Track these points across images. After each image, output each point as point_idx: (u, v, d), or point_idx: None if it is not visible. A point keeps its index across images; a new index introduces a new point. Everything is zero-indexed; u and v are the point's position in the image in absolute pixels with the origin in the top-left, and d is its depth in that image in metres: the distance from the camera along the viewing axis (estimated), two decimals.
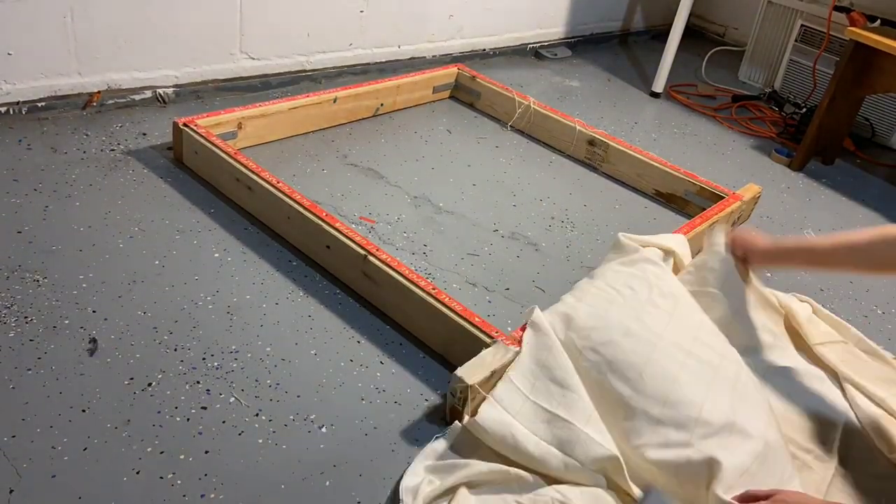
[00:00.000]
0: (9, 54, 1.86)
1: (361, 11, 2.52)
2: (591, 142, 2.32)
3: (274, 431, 1.23)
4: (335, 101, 2.21)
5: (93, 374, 1.26)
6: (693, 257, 1.68)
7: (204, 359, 1.34)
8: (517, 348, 1.33)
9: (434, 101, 2.59)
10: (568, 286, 1.73)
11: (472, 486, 1.16)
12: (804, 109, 2.89)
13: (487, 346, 1.33)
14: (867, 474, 1.30)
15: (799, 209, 2.34)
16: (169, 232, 1.65)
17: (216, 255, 1.61)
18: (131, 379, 1.27)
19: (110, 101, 2.09)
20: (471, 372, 1.26)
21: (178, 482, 1.11)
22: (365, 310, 1.54)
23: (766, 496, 1.09)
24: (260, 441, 1.20)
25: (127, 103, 2.12)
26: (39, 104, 1.97)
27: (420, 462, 1.18)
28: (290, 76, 2.44)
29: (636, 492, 1.17)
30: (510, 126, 2.50)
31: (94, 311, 1.39)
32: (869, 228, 1.35)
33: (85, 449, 1.13)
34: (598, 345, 1.30)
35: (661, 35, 3.39)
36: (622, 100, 2.96)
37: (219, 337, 1.39)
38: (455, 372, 1.26)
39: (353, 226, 1.80)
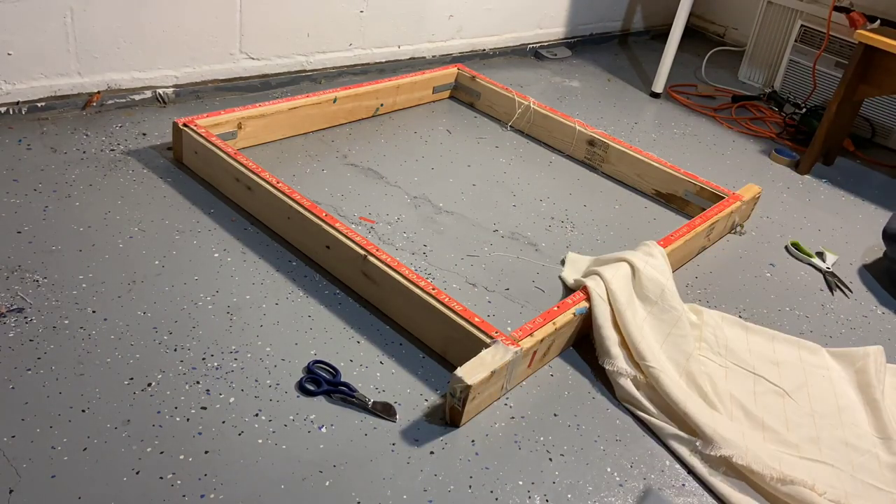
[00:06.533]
0: (9, 54, 1.86)
1: (361, 11, 2.52)
2: (591, 142, 2.32)
3: (274, 431, 1.23)
4: (335, 101, 2.21)
5: (93, 374, 1.26)
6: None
7: (204, 359, 1.34)
8: (516, 348, 1.33)
9: (434, 101, 2.59)
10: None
11: None
12: (804, 109, 2.89)
13: (487, 346, 1.33)
14: None
15: (799, 209, 2.34)
16: (169, 232, 1.65)
17: (216, 255, 1.61)
18: (131, 379, 1.27)
19: (110, 101, 2.09)
20: (470, 372, 1.26)
21: (178, 482, 1.11)
22: (365, 310, 1.54)
23: None
24: (260, 441, 1.21)
25: (127, 103, 2.12)
26: (39, 104, 1.97)
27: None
28: (290, 76, 2.44)
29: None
30: (510, 126, 2.50)
31: (93, 312, 1.39)
32: None
33: (85, 449, 1.13)
34: None
35: (661, 35, 3.39)
36: (622, 100, 2.96)
37: (219, 337, 1.39)
38: (455, 372, 1.26)
39: (353, 226, 1.80)
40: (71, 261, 1.51)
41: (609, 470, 1.28)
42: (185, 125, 1.87)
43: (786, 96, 3.14)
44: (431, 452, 1.25)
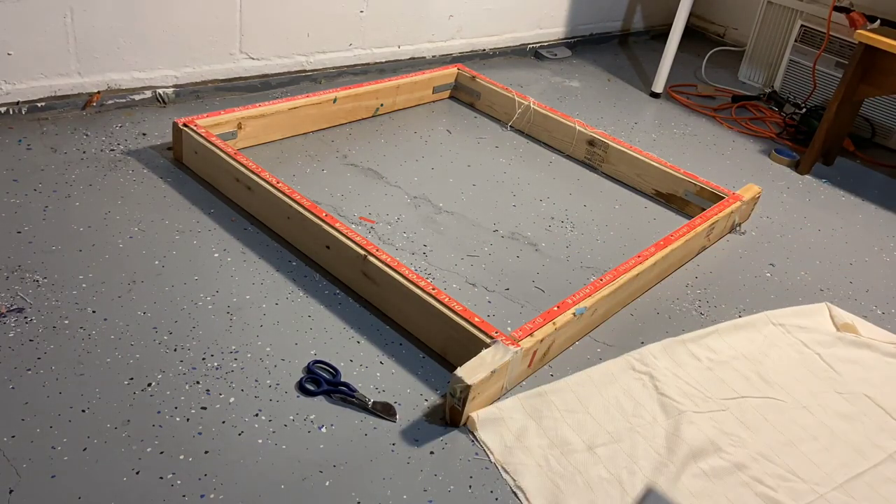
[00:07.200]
0: (9, 54, 1.86)
1: (361, 11, 2.52)
2: (591, 142, 2.32)
3: (274, 431, 1.23)
4: (335, 101, 2.21)
5: (93, 374, 1.26)
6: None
7: (204, 359, 1.34)
8: (516, 348, 1.33)
9: (434, 101, 2.59)
10: (567, 286, 1.73)
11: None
12: (804, 109, 2.89)
13: (487, 346, 1.33)
14: None
15: (799, 209, 2.34)
16: (169, 232, 1.65)
17: (216, 255, 1.61)
18: (131, 379, 1.27)
19: (110, 101, 2.09)
20: (470, 372, 1.26)
21: (178, 482, 1.11)
22: (365, 310, 1.54)
23: None
24: (260, 441, 1.21)
25: (127, 103, 2.12)
26: (39, 104, 1.97)
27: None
28: (290, 76, 2.44)
29: None
30: (510, 126, 2.50)
31: (93, 312, 1.39)
32: None
33: (85, 449, 1.13)
34: None
35: (661, 35, 3.39)
36: (622, 100, 2.96)
37: (219, 337, 1.39)
38: (455, 372, 1.26)
39: (353, 226, 1.80)
40: (71, 261, 1.51)
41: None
42: (185, 125, 1.87)
43: (786, 96, 3.14)
44: (431, 452, 1.25)
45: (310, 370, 1.35)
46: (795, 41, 3.12)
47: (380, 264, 1.50)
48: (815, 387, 1.56)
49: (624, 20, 3.67)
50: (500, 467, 1.24)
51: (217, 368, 1.32)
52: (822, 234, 2.21)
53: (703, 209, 2.06)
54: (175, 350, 1.35)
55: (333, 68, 2.55)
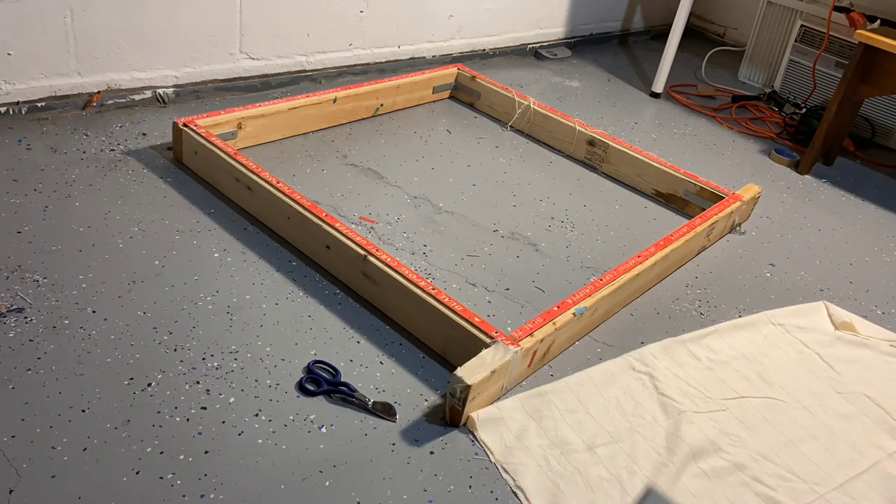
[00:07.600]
0: (9, 54, 1.86)
1: (361, 11, 2.52)
2: (591, 142, 2.32)
3: (274, 431, 1.23)
4: (335, 101, 2.21)
5: (93, 374, 1.26)
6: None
7: (204, 359, 1.34)
8: (516, 348, 1.33)
9: (434, 101, 2.59)
10: (567, 286, 1.73)
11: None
12: (804, 109, 2.90)
13: (487, 346, 1.33)
14: None
15: (799, 209, 2.34)
16: (169, 232, 1.65)
17: (216, 255, 1.61)
18: (131, 379, 1.27)
19: (110, 101, 2.09)
20: (470, 372, 1.26)
21: (178, 482, 1.11)
22: (365, 310, 1.54)
23: None
24: (260, 441, 1.21)
25: (127, 103, 2.12)
26: (39, 104, 1.97)
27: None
28: (290, 76, 2.44)
29: None
30: (510, 126, 2.50)
31: (93, 312, 1.39)
32: None
33: (85, 449, 1.14)
34: None
35: (661, 35, 3.39)
36: (622, 100, 2.96)
37: (219, 337, 1.39)
38: (455, 372, 1.26)
39: (353, 226, 1.80)
40: (71, 261, 1.51)
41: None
42: (185, 125, 1.87)
43: (786, 96, 3.14)
44: (431, 452, 1.25)
45: (310, 370, 1.35)
46: (795, 41, 3.12)
47: (380, 264, 1.50)
48: (815, 387, 1.56)
49: (624, 20, 3.67)
50: (500, 467, 1.24)
51: (217, 368, 1.32)
52: (822, 234, 2.21)
53: (703, 209, 2.06)
54: (175, 350, 1.35)
55: (333, 68, 2.55)
